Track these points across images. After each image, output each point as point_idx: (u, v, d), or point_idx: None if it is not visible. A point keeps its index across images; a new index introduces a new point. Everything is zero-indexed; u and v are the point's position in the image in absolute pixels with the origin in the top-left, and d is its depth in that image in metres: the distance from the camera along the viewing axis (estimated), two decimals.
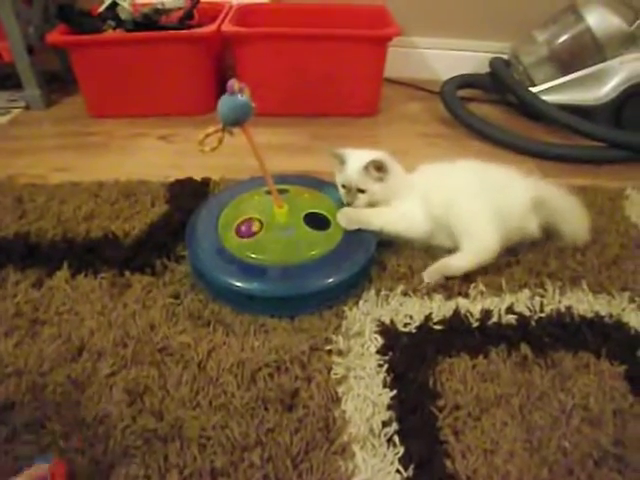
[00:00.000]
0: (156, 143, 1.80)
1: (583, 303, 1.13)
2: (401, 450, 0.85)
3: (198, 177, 1.52)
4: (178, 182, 1.50)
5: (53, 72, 2.11)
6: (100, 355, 1.00)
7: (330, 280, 1.09)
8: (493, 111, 2.00)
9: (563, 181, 1.46)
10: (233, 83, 1.02)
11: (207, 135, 1.06)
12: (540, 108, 1.77)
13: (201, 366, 0.98)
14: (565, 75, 1.84)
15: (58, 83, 2.12)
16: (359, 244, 1.17)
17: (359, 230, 1.19)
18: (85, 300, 1.12)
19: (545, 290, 1.15)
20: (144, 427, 0.88)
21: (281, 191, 1.20)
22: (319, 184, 1.34)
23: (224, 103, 1.04)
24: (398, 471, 0.82)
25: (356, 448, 0.86)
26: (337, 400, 0.93)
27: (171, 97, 1.91)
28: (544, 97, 1.80)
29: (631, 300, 1.13)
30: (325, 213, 1.22)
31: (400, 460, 0.84)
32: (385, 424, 0.89)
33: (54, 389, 0.94)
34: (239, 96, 1.03)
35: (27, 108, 2.00)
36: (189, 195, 1.43)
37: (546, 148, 1.70)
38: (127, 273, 1.18)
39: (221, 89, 1.06)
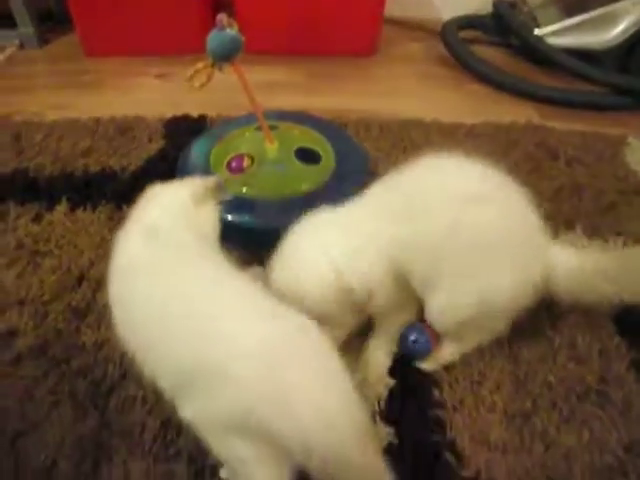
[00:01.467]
0: (153, 81, 1.78)
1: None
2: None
3: (195, 114, 1.51)
4: (175, 119, 1.50)
5: (48, 10, 2.07)
6: (99, 284, 1.02)
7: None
8: (495, 53, 1.96)
9: (564, 125, 1.45)
10: (222, 17, 1.00)
11: (196, 71, 1.04)
12: (544, 51, 1.73)
13: None
14: (572, 17, 1.77)
15: (53, 22, 2.08)
16: (351, 177, 1.14)
17: (351, 163, 1.17)
18: (84, 233, 1.14)
19: None
20: None
21: (271, 127, 1.19)
22: (311, 121, 1.32)
23: (213, 38, 1.02)
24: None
25: None
26: None
27: (167, 35, 1.87)
28: (549, 40, 1.75)
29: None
30: (316, 147, 1.21)
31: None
32: None
33: (55, 317, 0.96)
34: (228, 30, 1.01)
35: (21, 47, 1.96)
36: (185, 131, 1.43)
37: (548, 92, 1.66)
38: (124, 206, 1.18)
39: None
